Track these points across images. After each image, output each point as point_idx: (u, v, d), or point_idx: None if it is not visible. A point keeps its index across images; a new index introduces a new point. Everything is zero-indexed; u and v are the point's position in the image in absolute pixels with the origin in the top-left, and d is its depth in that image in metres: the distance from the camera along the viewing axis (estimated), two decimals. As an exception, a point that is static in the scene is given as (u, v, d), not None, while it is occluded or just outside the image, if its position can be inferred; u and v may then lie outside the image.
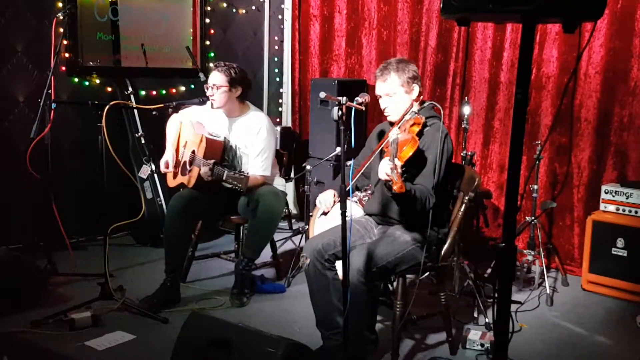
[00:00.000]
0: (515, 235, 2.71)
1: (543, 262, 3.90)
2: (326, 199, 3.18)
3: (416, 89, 2.96)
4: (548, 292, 3.79)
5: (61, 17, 4.09)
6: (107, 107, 3.36)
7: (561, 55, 4.21)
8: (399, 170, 2.46)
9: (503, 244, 1.78)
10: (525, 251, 4.01)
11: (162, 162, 3.81)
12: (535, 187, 3.91)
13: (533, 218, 3.92)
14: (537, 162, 3.89)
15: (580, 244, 4.20)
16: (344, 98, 2.60)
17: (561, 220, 4.35)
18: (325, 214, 3.20)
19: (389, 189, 2.60)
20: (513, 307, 3.39)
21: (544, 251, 4.00)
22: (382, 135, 3.13)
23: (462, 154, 3.85)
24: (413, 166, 2.73)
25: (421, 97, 3.03)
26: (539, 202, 4.02)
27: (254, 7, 5.65)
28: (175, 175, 3.84)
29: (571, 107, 4.12)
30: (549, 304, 3.75)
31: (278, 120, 5.88)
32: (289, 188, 5.53)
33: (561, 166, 4.30)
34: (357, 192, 3.87)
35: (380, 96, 2.99)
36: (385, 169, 2.52)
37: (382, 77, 2.96)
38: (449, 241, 3.00)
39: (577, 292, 4.00)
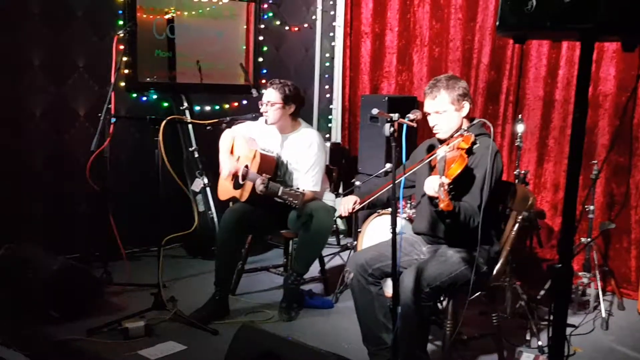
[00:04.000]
0: (572, 257, 2.64)
1: (599, 284, 3.79)
2: (345, 204, 3.06)
3: (466, 106, 2.93)
4: (603, 315, 3.68)
5: (122, 35, 4.23)
6: (164, 122, 3.45)
7: (619, 74, 4.12)
8: (446, 188, 2.45)
9: (559, 265, 1.75)
10: (580, 273, 3.90)
11: (223, 170, 3.84)
12: (592, 207, 3.81)
13: (589, 239, 3.81)
14: (594, 182, 3.79)
15: (638, 267, 4.08)
16: (396, 115, 2.61)
17: (618, 242, 4.23)
18: (341, 217, 3.13)
19: (435, 206, 2.59)
20: (567, 330, 3.30)
21: (600, 274, 3.88)
22: (430, 150, 3.12)
23: (515, 173, 3.80)
24: (461, 183, 2.70)
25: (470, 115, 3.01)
26: (595, 223, 3.92)
27: (306, 25, 5.72)
28: (233, 181, 3.88)
29: (630, 127, 4.01)
30: (604, 328, 3.65)
31: (327, 136, 5.92)
32: (338, 204, 5.54)
33: (618, 186, 4.18)
34: (406, 209, 3.86)
35: (430, 114, 2.96)
36: (433, 186, 2.51)
37: (431, 94, 2.93)
38: (501, 261, 2.95)
39: (634, 317, 3.88)
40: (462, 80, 2.98)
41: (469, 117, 2.99)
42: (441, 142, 2.99)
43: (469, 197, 2.77)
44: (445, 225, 2.87)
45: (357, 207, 3.04)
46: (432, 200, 2.60)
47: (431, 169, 2.94)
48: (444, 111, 2.91)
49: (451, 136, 2.92)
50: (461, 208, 2.67)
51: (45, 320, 3.41)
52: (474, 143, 2.80)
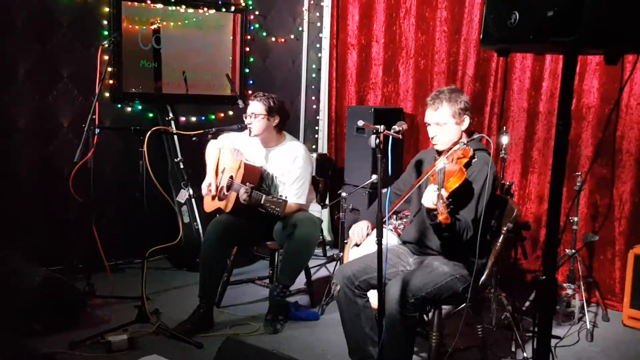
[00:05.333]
0: (557, 268, 2.65)
1: (583, 296, 3.81)
2: (359, 230, 3.18)
3: (466, 120, 2.94)
4: (588, 327, 3.69)
5: (107, 45, 4.21)
6: (149, 132, 3.43)
7: (602, 86, 4.16)
8: (445, 201, 2.45)
9: (543, 277, 1.76)
10: (564, 285, 3.92)
11: (204, 185, 3.85)
12: (576, 219, 3.84)
13: (574, 251, 3.83)
14: (578, 194, 3.82)
15: (622, 278, 4.10)
16: (382, 126, 2.62)
17: (602, 253, 4.25)
18: (357, 245, 3.18)
19: (432, 218, 2.58)
20: (552, 341, 3.31)
21: (584, 285, 3.90)
22: (422, 163, 3.13)
23: (500, 184, 3.81)
24: (457, 196, 2.70)
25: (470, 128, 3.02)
26: (579, 234, 3.94)
27: (292, 36, 5.74)
28: (214, 199, 3.89)
29: (613, 139, 4.05)
30: (589, 340, 3.66)
31: (314, 147, 5.92)
32: (324, 215, 5.54)
33: (602, 198, 4.21)
34: (392, 221, 3.86)
35: (430, 124, 2.97)
36: (432, 198, 2.51)
37: (433, 105, 2.94)
38: (486, 272, 2.95)
39: (618, 328, 3.89)
40: (464, 94, 2.99)
41: (468, 131, 3.00)
42: (439, 153, 3.00)
43: (465, 211, 2.77)
44: (439, 237, 2.86)
45: (370, 232, 3.16)
46: (430, 212, 2.60)
47: (428, 182, 2.95)
48: (445, 123, 2.91)
49: (450, 148, 2.93)
50: (457, 222, 2.67)
51: (28, 333, 3.36)
52: (472, 157, 2.81)
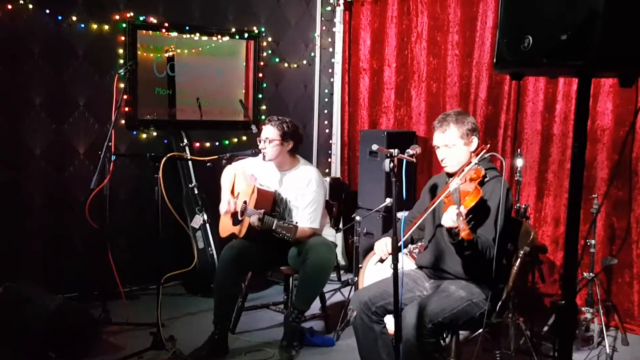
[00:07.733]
0: (576, 293, 2.61)
1: (602, 320, 3.75)
2: (383, 246, 3.02)
3: (475, 140, 2.95)
4: (608, 351, 3.63)
5: (122, 73, 4.27)
6: (164, 159, 3.46)
7: (616, 108, 4.14)
8: (465, 218, 2.44)
9: (563, 302, 1.73)
10: (583, 308, 3.86)
11: (222, 204, 3.84)
12: (593, 242, 3.80)
13: (592, 275, 3.78)
14: (595, 217, 3.78)
15: (641, 302, 4.04)
16: (396, 150, 2.62)
17: (620, 276, 4.19)
18: (382, 260, 3.11)
19: (453, 237, 2.56)
20: (572, 366, 3.25)
21: (603, 309, 3.84)
22: (435, 188, 3.12)
23: (515, 207, 3.79)
24: (474, 216, 2.69)
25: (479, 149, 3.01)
26: (597, 257, 3.89)
27: (305, 62, 5.78)
28: (233, 216, 3.88)
29: (629, 161, 4.01)
30: (609, 365, 3.60)
31: (327, 170, 5.93)
32: (338, 239, 5.52)
33: (619, 220, 4.16)
34: (408, 245, 3.84)
35: (438, 147, 2.98)
36: (451, 216, 2.50)
37: (440, 128, 2.95)
38: (504, 296, 2.92)
39: (638, 352, 3.82)
40: (471, 116, 3.02)
41: (477, 152, 2.99)
42: (450, 176, 2.99)
43: (484, 230, 2.76)
44: (459, 256, 2.82)
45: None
46: (451, 231, 2.59)
47: (442, 205, 2.93)
48: (453, 145, 2.93)
49: (461, 170, 2.92)
50: (479, 240, 2.66)
51: (43, 361, 3.36)
52: (484, 176, 2.81)
